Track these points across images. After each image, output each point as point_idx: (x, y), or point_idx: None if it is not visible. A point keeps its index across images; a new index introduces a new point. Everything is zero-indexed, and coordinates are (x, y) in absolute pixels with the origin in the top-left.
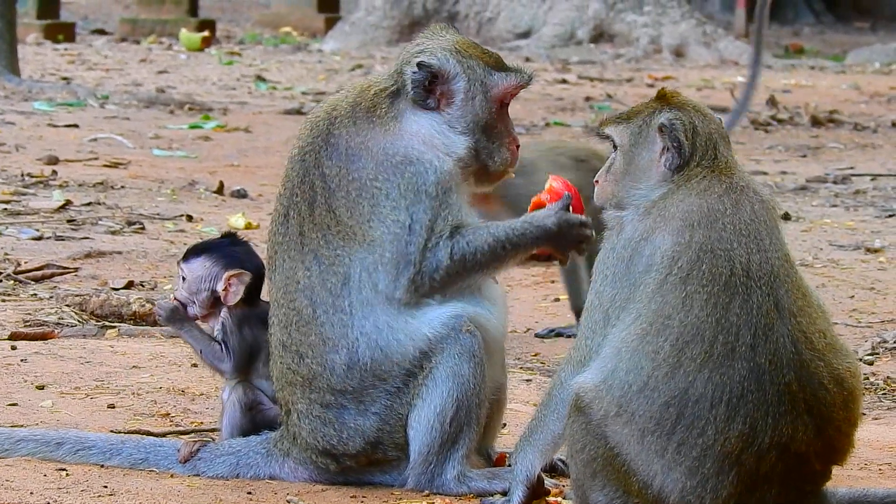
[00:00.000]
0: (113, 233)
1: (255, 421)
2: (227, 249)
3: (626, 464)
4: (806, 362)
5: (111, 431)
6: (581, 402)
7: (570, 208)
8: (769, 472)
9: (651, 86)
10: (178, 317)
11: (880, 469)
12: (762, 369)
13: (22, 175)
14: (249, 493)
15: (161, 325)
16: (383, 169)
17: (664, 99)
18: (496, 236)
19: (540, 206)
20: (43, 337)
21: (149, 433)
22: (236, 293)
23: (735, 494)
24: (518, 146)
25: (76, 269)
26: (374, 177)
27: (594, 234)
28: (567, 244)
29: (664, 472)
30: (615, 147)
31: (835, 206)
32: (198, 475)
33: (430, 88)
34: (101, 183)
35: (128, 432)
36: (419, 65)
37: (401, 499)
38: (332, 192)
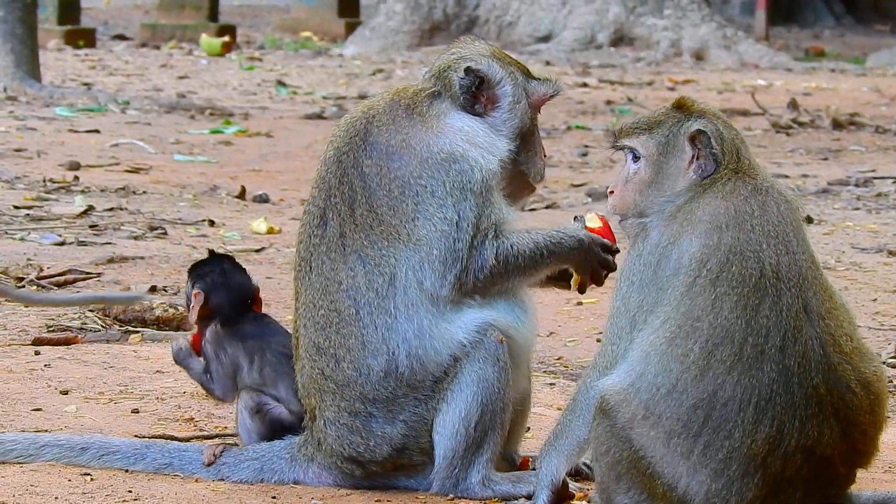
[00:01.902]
0: (135, 238)
1: (265, 422)
2: (203, 269)
3: (651, 466)
4: (834, 365)
5: (135, 436)
6: (606, 405)
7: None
8: (794, 476)
9: (672, 89)
10: (182, 355)
11: None
12: (791, 372)
13: (44, 181)
14: (274, 497)
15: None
16: (427, 166)
17: (685, 108)
18: (536, 242)
19: None
20: (66, 342)
21: (173, 438)
22: (193, 312)
23: (760, 497)
24: (546, 157)
25: (99, 275)
26: (418, 174)
27: (616, 265)
28: (592, 264)
29: (689, 474)
30: (635, 158)
31: (857, 208)
32: (222, 480)
33: (476, 94)
34: (123, 188)
35: (152, 437)
36: (467, 70)
37: (425, 503)
38: (373, 191)
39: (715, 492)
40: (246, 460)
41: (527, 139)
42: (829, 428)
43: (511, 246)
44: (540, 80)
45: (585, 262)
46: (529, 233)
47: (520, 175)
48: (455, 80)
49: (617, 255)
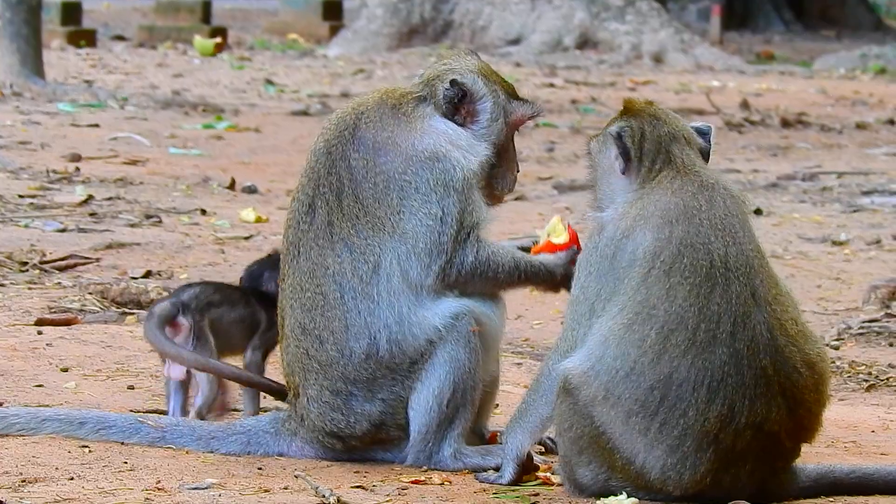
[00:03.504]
0: (132, 225)
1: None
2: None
3: (610, 442)
4: (780, 348)
5: (131, 411)
6: (569, 385)
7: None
8: (744, 450)
9: (632, 89)
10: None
11: (845, 446)
12: (741, 354)
13: (47, 171)
14: (260, 468)
15: None
16: (412, 164)
17: (626, 109)
18: (517, 262)
19: (548, 249)
20: (67, 323)
21: (166, 413)
22: None
23: (712, 471)
24: (518, 171)
25: (98, 260)
26: (402, 170)
27: None
28: (564, 286)
29: (647, 450)
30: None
31: (803, 201)
32: (212, 452)
33: (457, 106)
34: (121, 179)
35: (146, 412)
36: (452, 82)
37: (401, 474)
38: (359, 183)
39: (670, 466)
40: (234, 434)
41: (501, 155)
42: (776, 406)
43: (492, 254)
44: (522, 101)
45: (556, 286)
46: (513, 252)
47: (489, 186)
48: (440, 90)
49: None
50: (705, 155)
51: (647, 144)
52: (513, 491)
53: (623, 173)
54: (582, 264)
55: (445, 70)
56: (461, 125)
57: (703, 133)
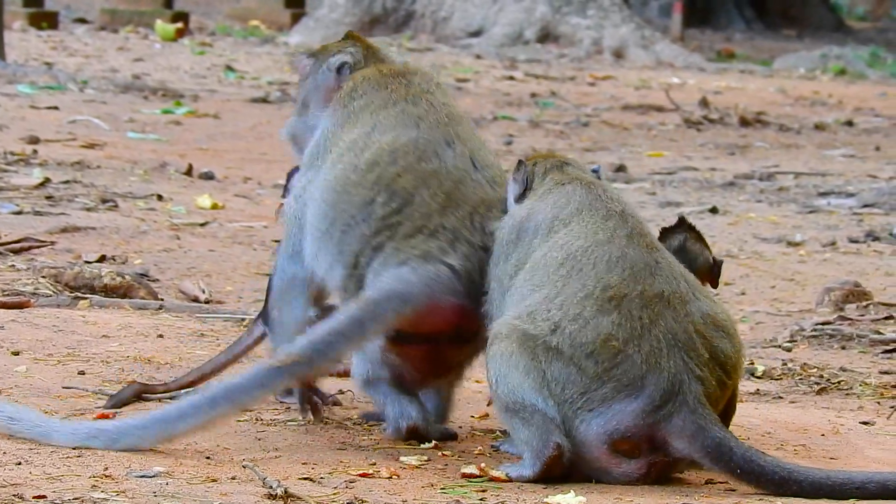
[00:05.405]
0: (88, 209)
1: None
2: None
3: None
4: (676, 265)
5: (64, 387)
6: (515, 333)
7: None
8: (652, 324)
9: (592, 84)
10: None
11: (795, 449)
12: (638, 249)
13: (4, 153)
14: (208, 457)
15: None
16: None
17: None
18: None
19: None
20: (19, 306)
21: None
22: None
23: (623, 340)
24: None
25: (53, 243)
26: None
27: None
28: None
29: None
30: None
31: (760, 201)
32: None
33: None
34: (79, 162)
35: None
36: None
37: (349, 467)
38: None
39: (575, 332)
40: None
41: None
42: (680, 289)
43: None
44: None
45: None
46: None
47: None
48: None
49: None
50: None
51: (536, 171)
52: (461, 487)
53: (515, 201)
54: (489, 265)
55: None
56: None
57: (594, 172)
